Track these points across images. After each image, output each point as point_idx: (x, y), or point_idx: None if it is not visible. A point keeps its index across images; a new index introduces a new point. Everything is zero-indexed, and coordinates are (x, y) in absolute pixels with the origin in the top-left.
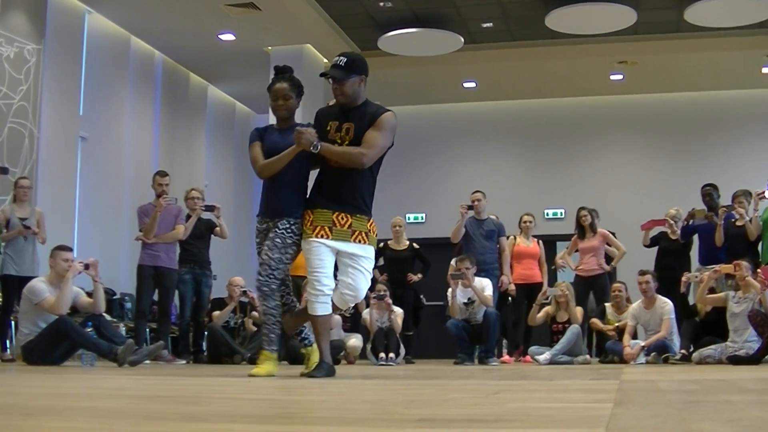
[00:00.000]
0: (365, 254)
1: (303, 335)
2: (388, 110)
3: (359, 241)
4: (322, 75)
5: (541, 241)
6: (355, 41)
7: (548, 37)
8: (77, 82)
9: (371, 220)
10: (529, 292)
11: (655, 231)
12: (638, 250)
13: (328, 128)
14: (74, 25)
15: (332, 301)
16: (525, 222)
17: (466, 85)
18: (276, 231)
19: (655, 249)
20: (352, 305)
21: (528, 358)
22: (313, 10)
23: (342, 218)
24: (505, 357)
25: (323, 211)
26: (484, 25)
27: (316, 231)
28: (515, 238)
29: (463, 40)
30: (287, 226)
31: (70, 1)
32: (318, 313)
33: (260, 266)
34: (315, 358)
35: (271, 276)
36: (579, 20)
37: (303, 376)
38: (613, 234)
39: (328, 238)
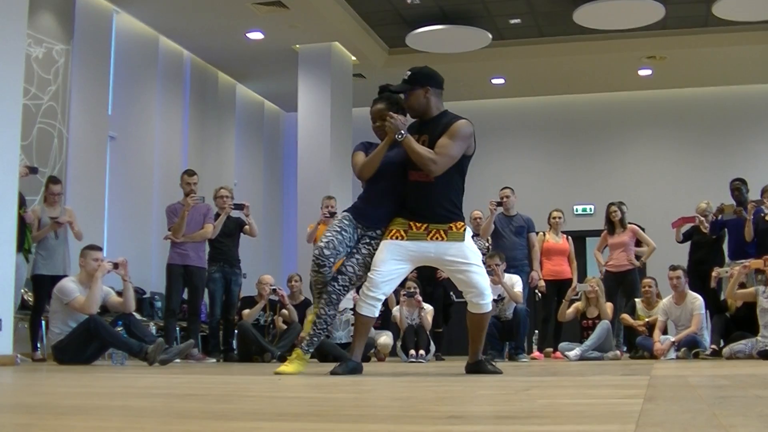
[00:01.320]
0: (451, 252)
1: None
2: (463, 118)
3: (436, 239)
4: (391, 91)
5: (570, 237)
6: (384, 39)
7: (576, 32)
8: (106, 82)
9: (452, 223)
10: (558, 288)
11: (687, 226)
12: (668, 246)
13: None
14: (102, 25)
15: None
16: (554, 218)
17: (494, 81)
18: (370, 246)
19: (686, 244)
20: (486, 301)
21: (558, 354)
22: (341, 8)
23: (418, 224)
24: (536, 353)
25: (400, 220)
26: (512, 22)
27: (391, 234)
28: (545, 234)
29: (491, 36)
30: (377, 241)
31: (98, 2)
32: (361, 312)
33: (339, 274)
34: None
35: (346, 289)
36: (607, 16)
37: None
38: (643, 229)
39: (402, 239)
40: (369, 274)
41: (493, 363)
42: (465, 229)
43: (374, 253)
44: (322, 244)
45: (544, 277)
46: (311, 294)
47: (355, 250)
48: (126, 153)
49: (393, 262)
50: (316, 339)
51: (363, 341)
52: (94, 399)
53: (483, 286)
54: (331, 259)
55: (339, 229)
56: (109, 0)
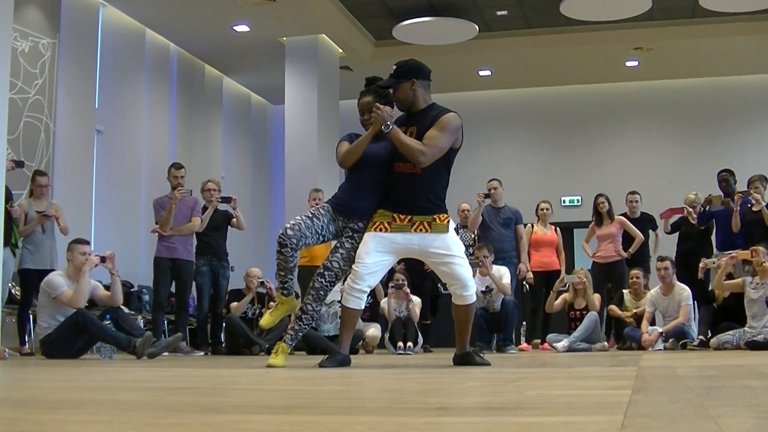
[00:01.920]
0: (435, 244)
1: (286, 286)
2: (451, 111)
3: (420, 230)
4: (379, 86)
5: (558, 229)
6: (370, 31)
7: (563, 24)
8: (92, 75)
9: (436, 215)
10: (547, 279)
11: (675, 217)
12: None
13: None
14: (88, 18)
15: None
16: (542, 209)
17: (481, 73)
18: (353, 240)
19: (674, 235)
20: (470, 293)
21: (546, 345)
22: (327, 1)
23: (402, 216)
24: (524, 345)
25: (384, 212)
26: (499, 13)
27: (375, 226)
28: (533, 225)
29: (477, 28)
30: (360, 234)
31: None
32: (347, 305)
33: (325, 270)
34: (281, 308)
35: (333, 284)
36: (594, 7)
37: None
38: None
39: (386, 231)
40: (353, 266)
41: (481, 354)
42: (449, 221)
43: (357, 247)
44: (287, 225)
45: (532, 269)
46: (298, 286)
47: (338, 245)
48: (113, 147)
49: (377, 254)
50: (300, 334)
51: (350, 333)
52: (83, 393)
53: (466, 278)
54: (294, 240)
55: (311, 215)
56: None
